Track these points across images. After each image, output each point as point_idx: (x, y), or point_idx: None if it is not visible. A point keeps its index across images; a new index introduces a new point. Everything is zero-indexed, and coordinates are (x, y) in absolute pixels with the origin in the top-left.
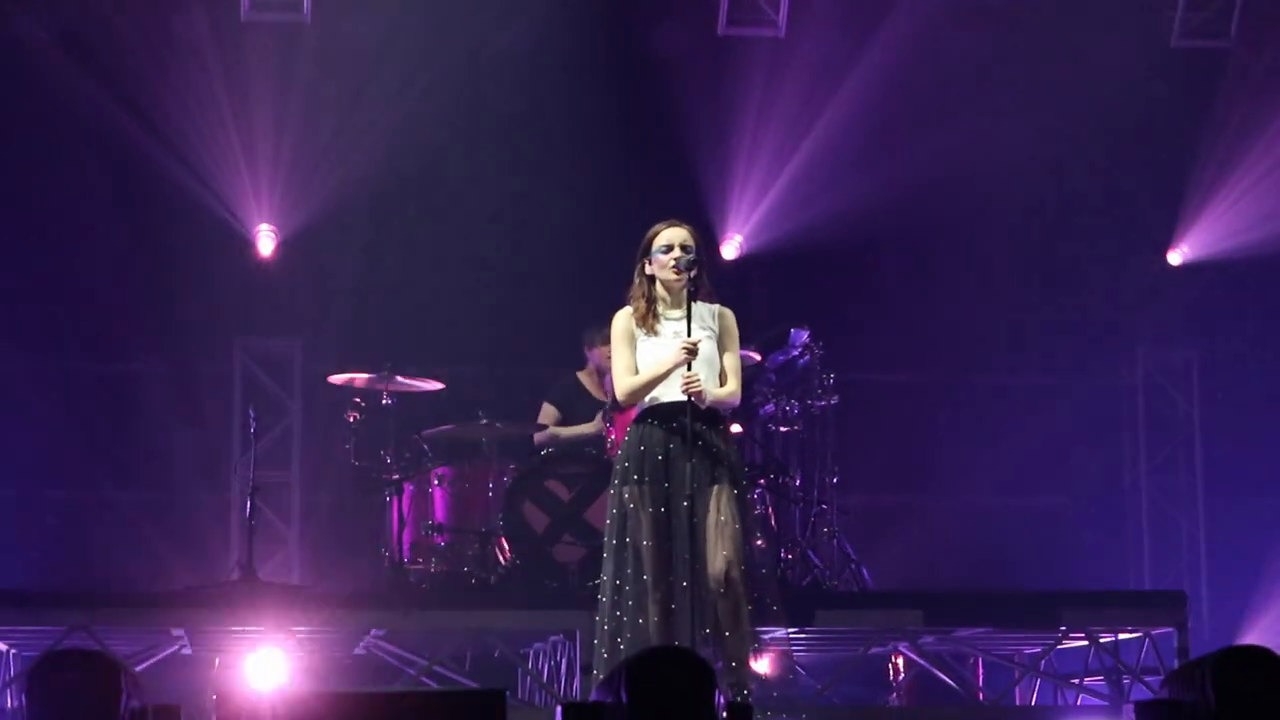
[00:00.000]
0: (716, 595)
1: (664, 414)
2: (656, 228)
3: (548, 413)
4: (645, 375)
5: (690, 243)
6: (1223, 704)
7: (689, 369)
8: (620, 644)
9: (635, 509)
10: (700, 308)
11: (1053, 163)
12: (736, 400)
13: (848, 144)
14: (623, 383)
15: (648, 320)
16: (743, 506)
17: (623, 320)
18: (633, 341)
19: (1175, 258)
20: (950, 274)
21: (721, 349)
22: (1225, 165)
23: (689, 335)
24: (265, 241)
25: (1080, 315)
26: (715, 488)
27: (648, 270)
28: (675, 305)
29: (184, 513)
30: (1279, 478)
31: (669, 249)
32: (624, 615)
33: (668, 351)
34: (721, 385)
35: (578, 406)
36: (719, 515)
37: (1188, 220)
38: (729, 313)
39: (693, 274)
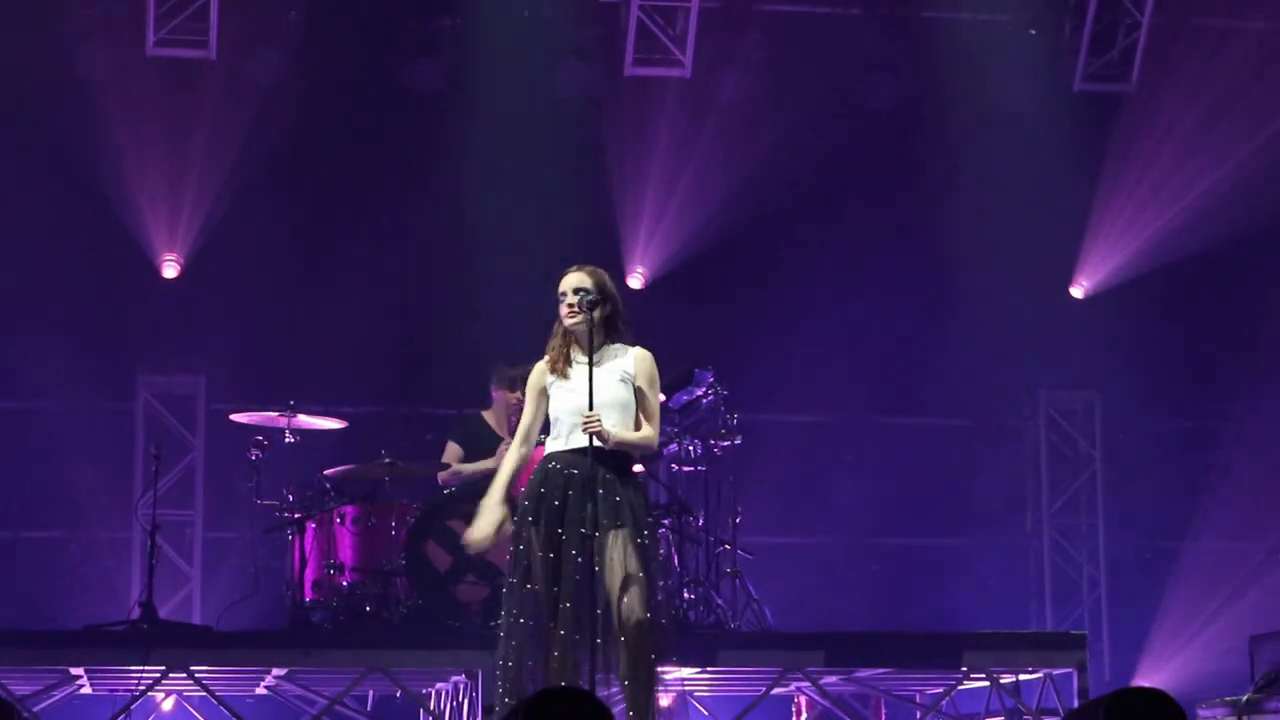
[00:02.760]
0: (621, 643)
1: (568, 456)
2: (563, 272)
3: (452, 451)
4: (503, 472)
5: (585, 285)
6: None
7: (589, 408)
8: (520, 685)
9: (527, 550)
10: (615, 349)
11: (956, 205)
12: (653, 445)
13: (753, 182)
14: (510, 454)
15: (558, 366)
16: (648, 551)
17: (535, 375)
18: (541, 397)
19: (1078, 291)
20: (852, 314)
21: (637, 392)
22: (1124, 204)
23: (590, 379)
24: (169, 273)
25: (982, 356)
26: (619, 531)
27: (562, 318)
28: (586, 350)
29: (85, 552)
30: (1179, 519)
31: (564, 296)
32: (524, 656)
33: (575, 399)
34: (637, 429)
35: (481, 444)
36: (621, 561)
37: (1087, 260)
38: (647, 355)
39: (593, 314)
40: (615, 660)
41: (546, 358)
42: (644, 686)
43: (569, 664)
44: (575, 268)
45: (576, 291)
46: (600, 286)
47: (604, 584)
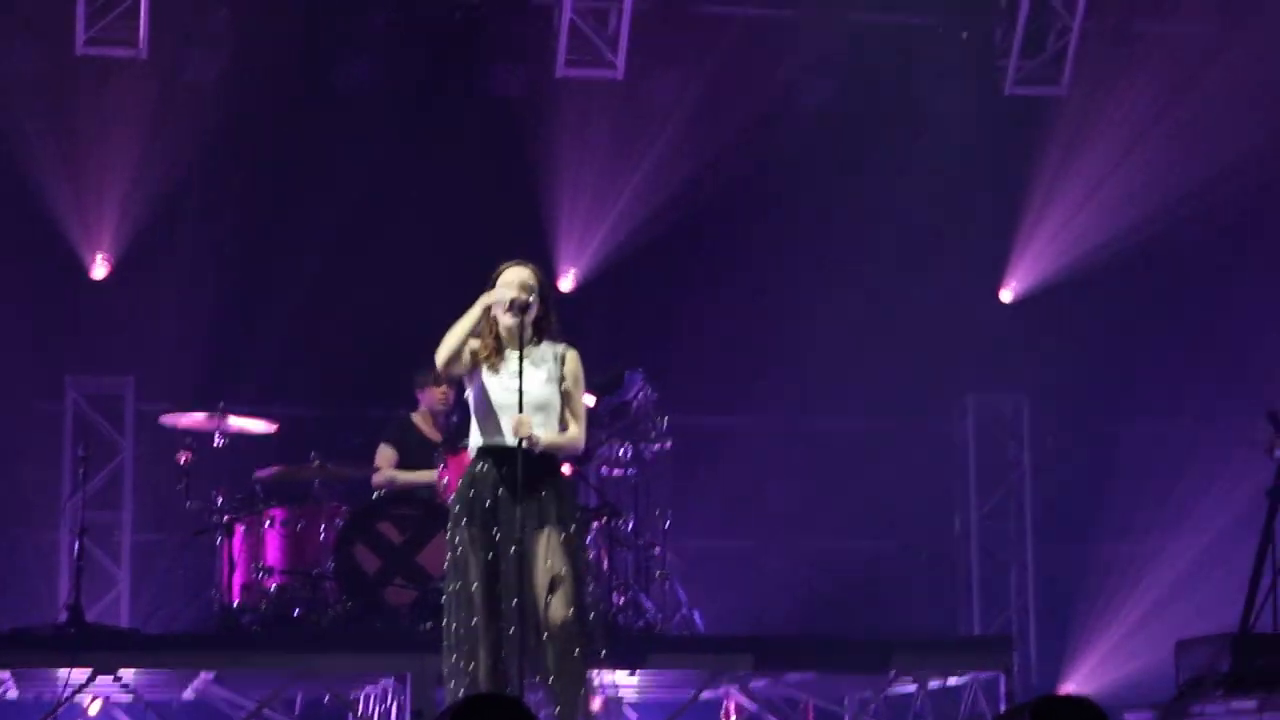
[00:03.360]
0: (547, 642)
1: (496, 457)
2: (501, 266)
3: (384, 454)
4: (454, 331)
5: (531, 282)
6: None
7: (519, 409)
8: (455, 689)
9: (464, 553)
10: (545, 348)
11: (886, 207)
12: (579, 446)
13: (684, 185)
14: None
15: (490, 357)
16: (574, 551)
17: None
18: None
19: (1006, 295)
20: (782, 316)
21: (564, 392)
22: (1054, 208)
23: (520, 376)
24: (98, 273)
25: (911, 359)
26: (545, 531)
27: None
28: (515, 345)
29: (11, 553)
30: (1107, 524)
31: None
32: (458, 660)
33: (503, 396)
34: (563, 430)
35: (413, 448)
36: (547, 561)
37: (1017, 262)
38: (574, 355)
39: (526, 316)
40: (544, 660)
41: (478, 341)
42: (572, 685)
43: (500, 668)
44: (518, 262)
45: (523, 288)
46: (541, 287)
47: (532, 584)
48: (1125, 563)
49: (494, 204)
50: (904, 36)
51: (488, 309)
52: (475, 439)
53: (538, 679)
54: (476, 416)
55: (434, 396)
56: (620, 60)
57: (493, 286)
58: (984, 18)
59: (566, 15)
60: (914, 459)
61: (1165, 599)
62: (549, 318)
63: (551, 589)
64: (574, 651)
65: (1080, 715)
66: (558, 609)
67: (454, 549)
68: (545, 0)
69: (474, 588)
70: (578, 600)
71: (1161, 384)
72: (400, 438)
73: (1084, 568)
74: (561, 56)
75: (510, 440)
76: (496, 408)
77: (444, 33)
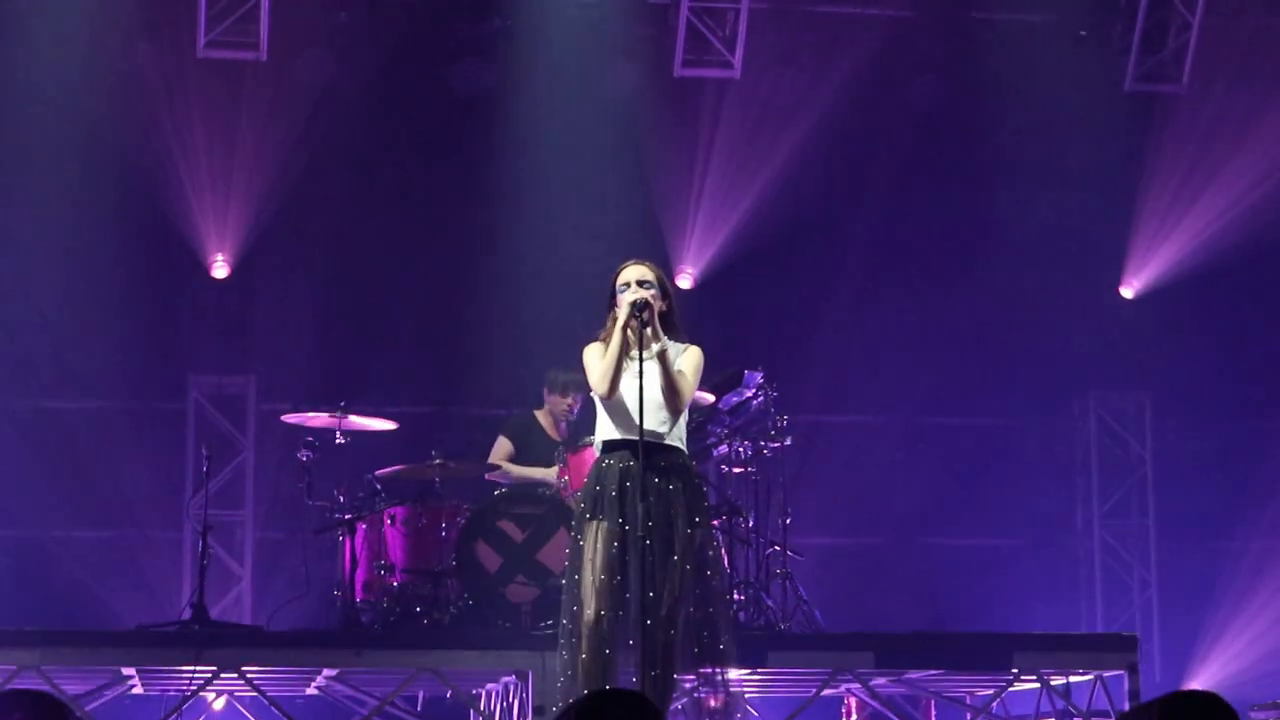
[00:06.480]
0: (672, 636)
1: (623, 452)
2: (620, 266)
3: (502, 446)
4: (606, 360)
5: (649, 278)
6: None
7: (640, 409)
8: (573, 681)
9: (589, 546)
10: (670, 347)
11: (1007, 204)
12: (685, 392)
13: (802, 184)
14: (593, 369)
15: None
16: (703, 544)
17: (591, 350)
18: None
19: (1128, 292)
20: (903, 315)
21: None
22: (1174, 205)
23: (641, 377)
24: (219, 273)
25: (1033, 357)
26: (675, 525)
27: (615, 310)
28: (639, 344)
29: (136, 552)
30: (1230, 520)
31: (626, 286)
32: (575, 653)
33: (629, 389)
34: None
35: (532, 444)
36: (674, 555)
37: (1137, 260)
38: (697, 350)
39: (645, 314)
40: (669, 653)
41: (599, 342)
42: (705, 680)
43: (619, 660)
44: (635, 261)
45: (641, 284)
46: (660, 282)
47: (658, 577)
48: (1250, 560)
49: (612, 202)
50: (1022, 34)
51: (626, 325)
52: (602, 433)
53: (655, 673)
54: (603, 413)
55: (560, 404)
56: (738, 60)
57: (614, 288)
58: (1103, 15)
59: (684, 15)
60: (1036, 456)
61: None
62: (672, 315)
63: (678, 583)
64: (693, 646)
65: (1210, 712)
66: (682, 604)
67: (576, 541)
68: (663, 0)
69: (592, 580)
70: (705, 595)
71: None
72: (522, 433)
73: (1208, 565)
74: (679, 56)
75: (633, 434)
76: (622, 405)
77: (560, 32)
